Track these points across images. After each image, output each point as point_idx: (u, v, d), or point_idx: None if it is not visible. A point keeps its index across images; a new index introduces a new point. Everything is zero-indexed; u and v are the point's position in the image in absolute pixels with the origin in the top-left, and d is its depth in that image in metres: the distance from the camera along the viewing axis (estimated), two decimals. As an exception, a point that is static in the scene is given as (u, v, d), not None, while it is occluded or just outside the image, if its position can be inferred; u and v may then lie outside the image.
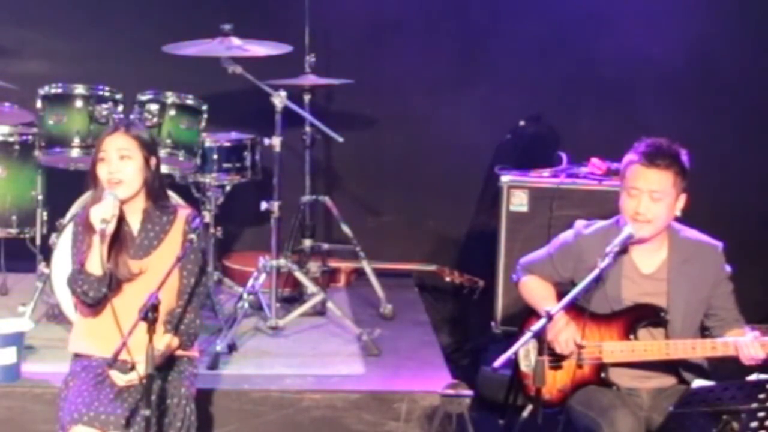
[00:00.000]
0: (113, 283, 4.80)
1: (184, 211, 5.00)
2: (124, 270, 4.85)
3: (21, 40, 7.54)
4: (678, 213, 5.02)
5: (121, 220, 4.87)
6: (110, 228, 4.76)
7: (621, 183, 5.05)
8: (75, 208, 6.29)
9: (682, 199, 5.01)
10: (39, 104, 6.41)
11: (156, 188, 4.96)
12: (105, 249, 4.76)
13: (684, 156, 5.00)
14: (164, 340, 4.81)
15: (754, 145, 7.68)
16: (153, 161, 4.94)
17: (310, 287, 6.58)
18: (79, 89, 6.39)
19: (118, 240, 4.86)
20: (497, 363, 4.64)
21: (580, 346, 5.00)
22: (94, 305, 4.83)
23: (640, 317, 5.03)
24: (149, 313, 4.41)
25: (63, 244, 6.14)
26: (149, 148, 4.94)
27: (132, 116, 6.35)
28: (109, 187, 4.84)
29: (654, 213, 4.94)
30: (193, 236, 4.79)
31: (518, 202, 6.90)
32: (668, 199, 4.95)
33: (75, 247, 4.92)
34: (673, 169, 4.95)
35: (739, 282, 5.15)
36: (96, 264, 4.76)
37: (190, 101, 6.51)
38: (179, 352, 4.94)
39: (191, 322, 4.93)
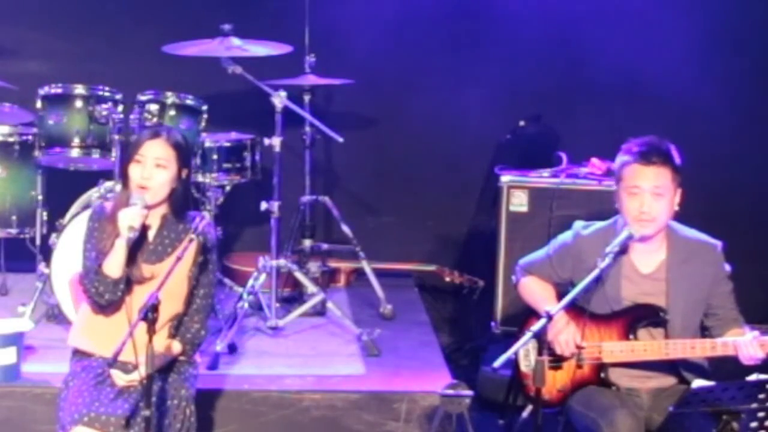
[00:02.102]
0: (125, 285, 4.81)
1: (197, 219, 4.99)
2: (136, 272, 4.86)
3: (21, 40, 7.53)
4: (676, 207, 5.03)
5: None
6: (135, 235, 4.77)
7: (617, 185, 5.04)
8: (75, 208, 6.29)
9: (679, 193, 5.02)
10: (39, 104, 6.42)
11: (181, 199, 4.95)
12: (126, 254, 4.77)
13: (675, 151, 5.02)
14: (164, 344, 4.81)
15: (753, 144, 7.67)
16: (185, 173, 4.94)
17: (310, 287, 6.58)
18: (79, 89, 6.40)
19: (135, 242, 4.86)
20: (497, 363, 4.64)
21: (579, 347, 5.00)
22: (106, 306, 4.83)
23: (640, 317, 5.03)
24: (149, 313, 4.42)
25: (63, 244, 6.14)
26: (185, 159, 4.93)
27: (132, 116, 6.35)
28: (137, 190, 4.84)
29: (657, 210, 4.94)
30: (193, 236, 4.78)
31: (518, 202, 6.89)
32: (669, 195, 4.96)
33: (89, 243, 4.90)
34: (669, 165, 4.96)
35: (739, 282, 5.14)
36: (115, 267, 4.77)
37: (190, 101, 6.52)
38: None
39: (197, 332, 4.95)
